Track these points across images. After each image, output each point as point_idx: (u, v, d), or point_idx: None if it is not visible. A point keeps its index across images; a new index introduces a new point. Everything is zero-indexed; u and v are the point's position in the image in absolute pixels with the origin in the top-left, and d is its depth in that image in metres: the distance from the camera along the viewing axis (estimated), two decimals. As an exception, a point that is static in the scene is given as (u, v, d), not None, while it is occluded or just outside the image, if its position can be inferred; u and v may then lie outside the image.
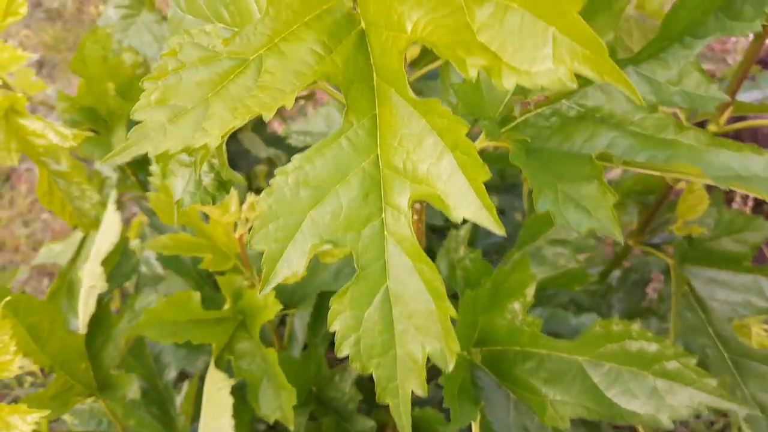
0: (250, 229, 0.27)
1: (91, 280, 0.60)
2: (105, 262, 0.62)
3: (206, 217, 0.60)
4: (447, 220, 0.41)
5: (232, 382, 0.55)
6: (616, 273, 0.93)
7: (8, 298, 0.50)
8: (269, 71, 0.25)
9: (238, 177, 0.36)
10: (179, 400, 0.78)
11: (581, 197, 0.32)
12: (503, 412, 0.45)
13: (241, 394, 0.63)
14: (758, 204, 1.36)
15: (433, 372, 0.28)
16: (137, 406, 0.73)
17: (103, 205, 0.69)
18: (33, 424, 0.48)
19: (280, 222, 0.25)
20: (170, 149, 0.24)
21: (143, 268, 0.85)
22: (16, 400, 1.21)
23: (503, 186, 1.01)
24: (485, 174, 0.23)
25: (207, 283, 0.71)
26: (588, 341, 0.43)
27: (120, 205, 0.71)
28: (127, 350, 0.65)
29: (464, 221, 0.24)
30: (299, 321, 0.76)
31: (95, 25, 0.94)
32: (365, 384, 0.70)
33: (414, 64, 0.68)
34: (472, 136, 0.40)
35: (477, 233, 0.89)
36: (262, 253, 0.25)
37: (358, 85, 0.26)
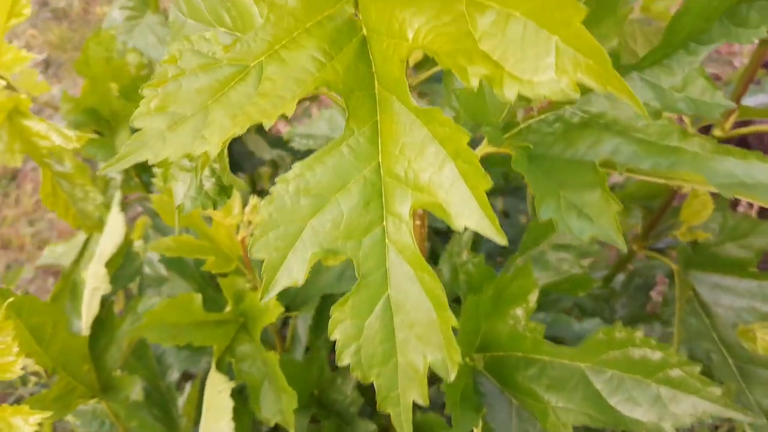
0: (252, 232, 0.27)
1: (94, 281, 0.60)
2: (108, 264, 0.62)
3: (209, 219, 0.60)
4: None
5: (232, 384, 0.55)
6: (620, 277, 0.93)
7: (11, 299, 0.50)
8: (270, 78, 0.25)
9: (240, 182, 0.36)
10: (181, 401, 0.78)
11: (584, 205, 0.32)
12: (505, 419, 0.45)
13: (242, 397, 0.63)
14: (764, 209, 1.35)
15: (435, 376, 0.28)
16: (140, 408, 0.73)
17: (106, 206, 0.69)
18: (35, 425, 0.48)
19: (280, 230, 0.25)
20: (169, 157, 0.24)
21: (147, 270, 0.85)
22: (19, 400, 1.22)
23: (507, 189, 1.01)
24: (487, 183, 0.22)
25: (209, 285, 0.71)
26: (590, 348, 0.43)
27: (124, 206, 0.71)
28: (130, 352, 0.65)
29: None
30: (302, 323, 0.76)
31: (101, 25, 0.94)
32: (367, 387, 0.70)
33: (418, 66, 0.68)
34: (475, 142, 0.40)
35: (481, 236, 0.89)
36: (263, 261, 0.25)
37: (359, 93, 0.26)
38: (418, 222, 0.41)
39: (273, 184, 0.26)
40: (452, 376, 0.24)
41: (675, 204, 0.77)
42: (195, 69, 0.24)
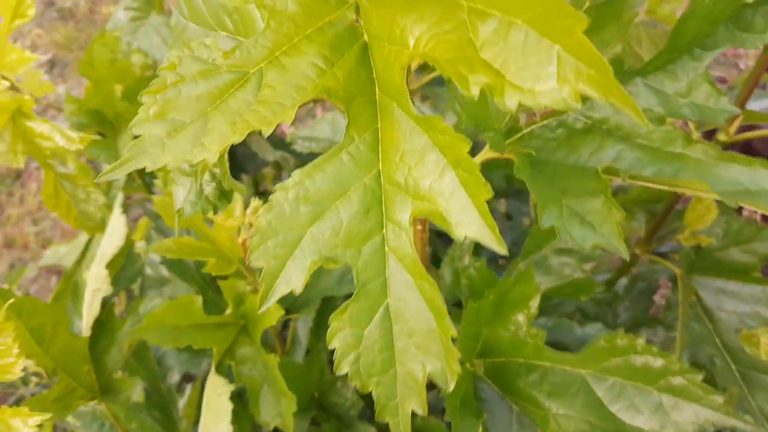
0: (253, 234, 0.27)
1: (95, 283, 0.60)
2: (110, 265, 0.62)
3: (210, 220, 0.59)
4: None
5: (232, 387, 0.55)
6: (623, 281, 0.92)
7: (12, 300, 0.50)
8: (270, 85, 0.25)
9: (241, 186, 0.36)
10: (182, 403, 0.78)
11: (586, 212, 0.32)
12: (506, 425, 0.45)
13: (242, 400, 0.63)
14: (768, 212, 1.34)
15: (435, 381, 0.28)
16: (140, 409, 0.73)
17: (109, 207, 0.69)
18: (34, 427, 0.48)
19: (279, 238, 0.25)
20: (168, 164, 0.24)
21: (148, 270, 0.85)
22: (20, 400, 1.22)
23: (510, 191, 1.00)
24: (487, 192, 0.22)
25: (210, 287, 0.71)
26: (592, 354, 0.42)
27: (126, 207, 0.71)
28: (131, 353, 0.65)
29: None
30: (302, 325, 0.76)
31: (106, 25, 0.95)
32: (368, 391, 0.69)
33: (421, 69, 0.68)
34: (478, 147, 0.40)
35: (482, 239, 0.88)
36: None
37: (360, 100, 0.26)
38: (419, 227, 0.41)
39: (276, 185, 0.26)
40: (451, 386, 0.24)
41: (679, 207, 0.77)
42: (195, 75, 0.24)
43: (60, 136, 0.66)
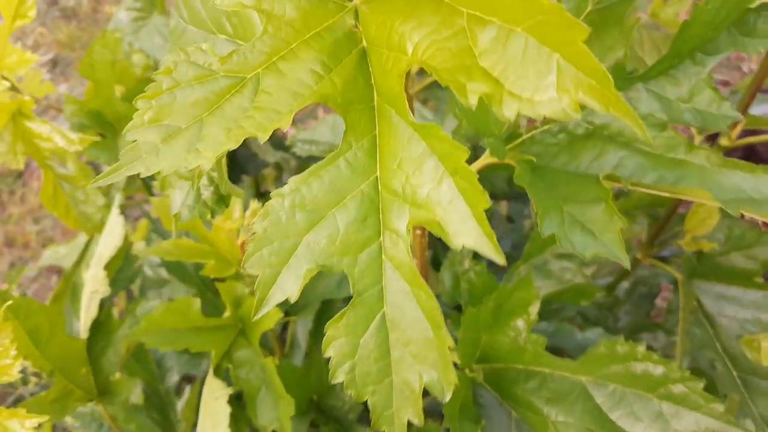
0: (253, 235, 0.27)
1: (93, 284, 0.60)
2: (108, 267, 0.62)
3: (209, 222, 0.59)
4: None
5: (230, 390, 0.54)
6: (624, 285, 0.92)
7: (9, 302, 0.50)
8: (266, 91, 0.24)
9: (239, 191, 0.35)
10: (180, 405, 0.78)
11: (587, 220, 0.31)
12: (504, 432, 0.45)
13: (240, 403, 0.63)
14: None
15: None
16: (138, 411, 0.73)
17: (108, 208, 0.69)
18: (32, 429, 0.48)
19: (274, 246, 0.24)
20: (162, 171, 0.23)
21: (148, 272, 0.85)
22: (20, 399, 1.22)
23: (512, 193, 1.00)
24: (486, 202, 0.22)
25: (209, 289, 0.71)
26: (592, 361, 0.42)
27: (127, 207, 0.71)
28: (129, 354, 0.65)
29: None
30: (302, 328, 0.76)
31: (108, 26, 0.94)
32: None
33: (422, 72, 0.68)
34: (480, 150, 0.40)
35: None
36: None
37: (358, 106, 0.25)
38: (418, 231, 0.41)
39: (277, 186, 0.25)
40: (448, 397, 0.24)
41: (681, 211, 0.76)
42: (190, 81, 0.24)
43: (60, 137, 0.66)
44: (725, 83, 1.78)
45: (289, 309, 0.70)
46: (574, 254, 0.63)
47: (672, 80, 0.40)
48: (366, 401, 0.24)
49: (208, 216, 0.35)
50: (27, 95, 0.66)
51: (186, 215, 0.35)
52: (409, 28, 0.23)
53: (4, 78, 0.64)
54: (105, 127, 0.76)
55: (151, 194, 0.84)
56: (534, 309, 0.43)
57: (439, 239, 0.75)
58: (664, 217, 0.75)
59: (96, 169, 0.85)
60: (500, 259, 0.21)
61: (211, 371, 0.56)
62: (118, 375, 0.62)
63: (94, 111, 0.74)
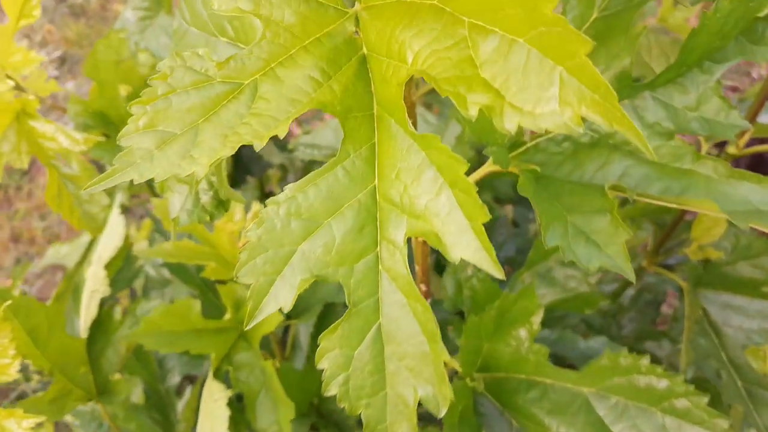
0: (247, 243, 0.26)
1: (93, 284, 0.60)
2: (108, 266, 0.62)
3: (211, 224, 0.59)
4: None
5: (229, 393, 0.54)
6: (629, 292, 0.91)
7: (9, 302, 0.50)
8: (263, 97, 0.24)
9: (238, 195, 0.35)
10: (181, 405, 0.78)
11: (592, 231, 0.31)
12: (504, 442, 0.44)
13: (240, 406, 0.62)
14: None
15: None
16: (139, 411, 0.72)
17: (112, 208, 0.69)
18: (29, 429, 0.48)
19: (269, 254, 0.24)
20: (156, 177, 0.23)
21: (151, 271, 0.85)
22: (22, 396, 1.22)
23: (517, 197, 0.99)
24: (485, 215, 0.21)
25: (211, 290, 0.70)
26: (594, 373, 0.41)
27: (132, 206, 0.71)
28: (130, 354, 0.64)
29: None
30: (303, 330, 0.76)
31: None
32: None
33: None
34: (484, 159, 0.39)
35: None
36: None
37: (357, 114, 0.25)
38: (421, 237, 0.40)
39: (282, 187, 0.25)
40: (443, 412, 0.23)
41: (688, 218, 0.76)
42: (186, 86, 0.24)
43: (64, 137, 0.66)
44: (734, 89, 1.76)
45: (290, 312, 0.69)
46: (579, 262, 0.63)
47: (679, 88, 0.40)
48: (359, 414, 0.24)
49: (207, 220, 0.35)
50: (32, 94, 0.66)
51: (185, 219, 0.35)
52: (409, 36, 0.22)
53: (9, 77, 0.64)
54: (109, 127, 0.76)
55: (155, 194, 0.84)
56: (537, 319, 0.43)
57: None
58: (670, 225, 0.74)
59: (100, 169, 0.85)
60: (498, 274, 0.21)
61: (210, 373, 0.56)
62: (117, 375, 0.62)
63: (99, 111, 0.74)
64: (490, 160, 0.39)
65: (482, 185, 0.78)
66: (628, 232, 0.31)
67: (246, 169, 1.06)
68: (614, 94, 0.17)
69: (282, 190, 0.25)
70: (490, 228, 0.87)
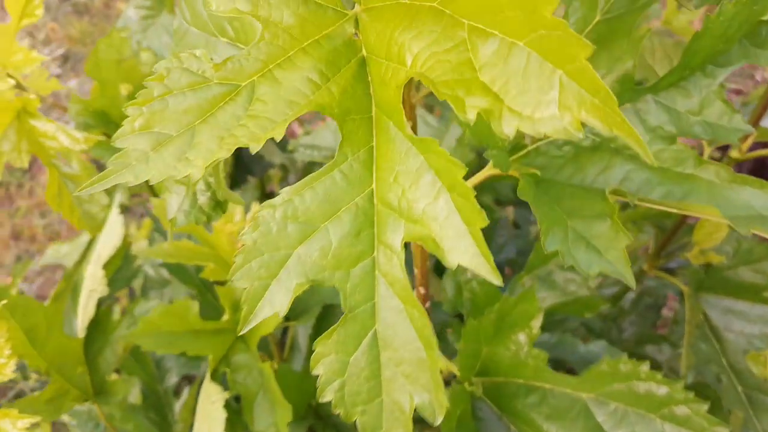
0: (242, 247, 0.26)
1: (91, 283, 0.60)
2: (106, 266, 0.61)
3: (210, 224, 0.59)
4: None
5: (226, 395, 0.54)
6: (630, 295, 0.91)
7: (5, 301, 0.50)
8: (261, 99, 0.24)
9: (236, 196, 0.35)
10: (178, 406, 0.77)
11: (592, 236, 0.31)
12: (502, 447, 0.44)
13: (237, 407, 0.62)
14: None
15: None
16: (136, 411, 0.72)
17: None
18: (24, 430, 0.48)
19: (264, 258, 0.24)
20: (151, 179, 0.23)
21: (150, 271, 0.84)
22: (20, 395, 1.22)
23: (518, 199, 0.99)
24: (483, 220, 0.21)
25: (209, 291, 0.70)
26: (594, 378, 0.41)
27: (133, 205, 0.71)
28: (128, 354, 0.64)
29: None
30: (302, 332, 0.75)
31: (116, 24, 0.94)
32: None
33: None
34: (485, 162, 0.39)
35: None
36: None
37: (356, 116, 0.25)
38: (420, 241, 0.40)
39: (283, 187, 0.25)
40: (439, 420, 0.23)
41: (690, 222, 0.75)
42: (183, 88, 0.23)
43: (65, 136, 0.66)
44: (738, 92, 1.76)
45: (289, 314, 0.69)
46: (579, 266, 0.62)
47: (682, 92, 0.39)
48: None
49: (205, 221, 0.35)
50: (32, 93, 0.66)
51: (182, 220, 0.35)
52: (408, 38, 0.22)
53: (10, 76, 0.64)
54: (110, 126, 0.76)
55: (155, 194, 0.84)
56: (536, 323, 0.42)
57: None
58: (671, 229, 0.74)
59: (100, 168, 0.85)
60: (496, 280, 0.21)
61: (208, 375, 0.56)
62: (114, 375, 0.62)
63: (100, 110, 0.74)
64: (488, 165, 0.39)
65: (483, 187, 0.77)
66: (628, 237, 0.31)
67: (247, 169, 1.06)
68: (614, 98, 0.17)
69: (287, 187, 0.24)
70: (491, 230, 0.87)
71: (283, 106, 0.24)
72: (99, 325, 0.59)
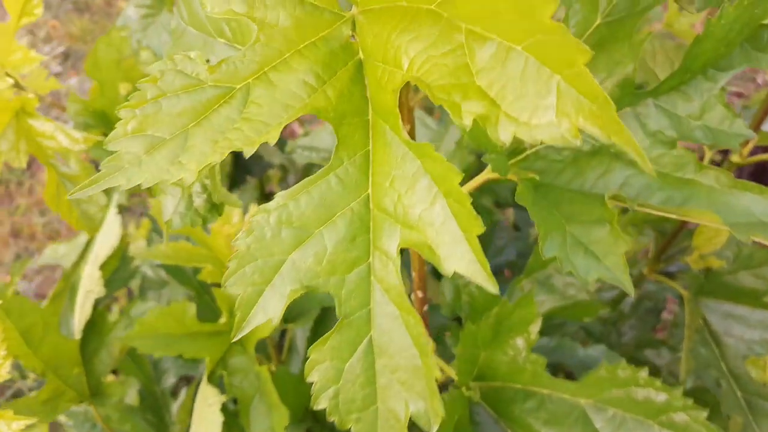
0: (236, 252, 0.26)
1: (88, 284, 0.59)
2: (103, 267, 0.61)
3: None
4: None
5: (223, 398, 0.54)
6: (629, 298, 0.91)
7: (0, 302, 0.50)
8: (256, 102, 0.24)
9: (233, 198, 0.35)
10: (176, 407, 0.77)
11: (591, 242, 0.30)
12: (499, 453, 0.43)
13: (234, 410, 0.62)
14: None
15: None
16: (133, 412, 0.72)
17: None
18: (19, 431, 0.47)
19: (258, 264, 0.23)
20: (143, 183, 0.23)
21: (149, 272, 0.84)
22: (18, 394, 1.22)
23: (517, 202, 0.98)
24: (479, 227, 0.21)
25: (207, 292, 0.70)
26: (592, 384, 0.41)
27: (124, 207, 0.70)
28: (124, 355, 0.64)
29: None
30: (301, 334, 0.75)
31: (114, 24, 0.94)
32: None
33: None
34: (484, 165, 0.38)
35: (487, 250, 0.87)
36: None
37: (352, 120, 0.24)
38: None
39: (282, 187, 0.24)
40: (434, 429, 0.23)
41: (690, 226, 0.75)
42: (177, 90, 0.23)
43: (63, 136, 0.65)
44: (739, 95, 1.75)
45: (286, 316, 0.69)
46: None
47: (683, 96, 0.39)
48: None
49: (201, 224, 0.35)
50: (31, 93, 0.66)
51: (177, 223, 0.35)
52: (405, 41, 0.22)
53: (8, 75, 0.63)
54: (109, 126, 0.75)
55: (153, 194, 0.84)
56: (535, 328, 0.42)
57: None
58: (671, 233, 0.74)
59: (99, 169, 0.85)
60: (493, 288, 0.20)
61: (205, 378, 0.55)
62: (111, 376, 0.62)
63: (99, 110, 0.73)
64: (487, 169, 0.38)
65: (483, 189, 0.77)
66: (627, 244, 0.31)
67: (246, 169, 1.05)
68: (612, 105, 0.17)
69: (282, 191, 0.24)
70: (491, 232, 0.87)
71: (278, 109, 0.24)
72: (95, 326, 0.59)
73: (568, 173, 0.35)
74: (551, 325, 0.67)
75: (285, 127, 0.24)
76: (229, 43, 0.33)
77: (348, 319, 0.24)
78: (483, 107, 0.19)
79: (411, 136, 0.31)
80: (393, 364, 0.23)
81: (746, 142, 0.60)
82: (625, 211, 0.75)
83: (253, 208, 0.57)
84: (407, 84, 0.26)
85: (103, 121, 0.75)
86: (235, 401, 0.64)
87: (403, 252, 0.24)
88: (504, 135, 0.19)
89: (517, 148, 0.37)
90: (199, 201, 0.34)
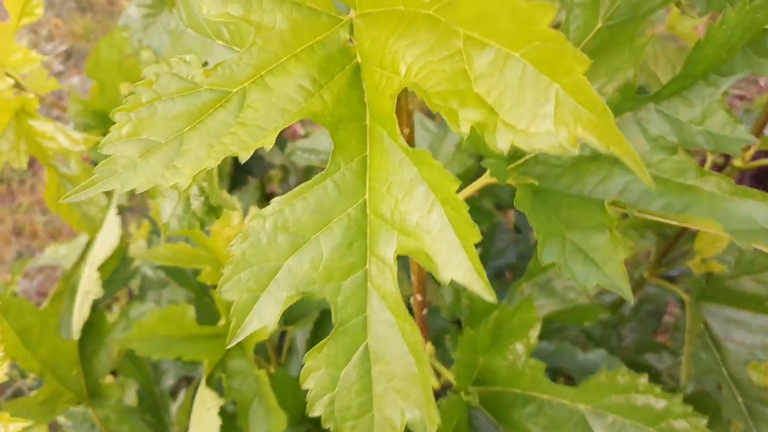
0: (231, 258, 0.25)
1: (87, 285, 0.59)
2: (102, 268, 0.61)
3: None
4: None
5: (221, 401, 0.53)
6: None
7: None
8: (252, 106, 0.23)
9: (231, 201, 0.34)
10: (175, 408, 0.77)
11: (590, 248, 0.30)
12: (498, 458, 0.43)
13: (233, 413, 0.62)
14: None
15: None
16: (132, 413, 0.72)
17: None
18: (16, 432, 0.47)
19: (253, 270, 0.23)
20: (138, 187, 0.22)
21: (149, 272, 0.84)
22: (17, 393, 1.22)
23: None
24: (476, 235, 0.21)
25: (207, 294, 0.70)
26: (591, 390, 0.40)
27: (123, 208, 0.70)
28: (123, 356, 0.64)
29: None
30: (300, 336, 0.75)
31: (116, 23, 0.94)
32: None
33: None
34: (481, 171, 0.38)
35: (487, 253, 0.87)
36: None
37: (349, 125, 0.24)
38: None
39: (283, 188, 0.24)
40: (431, 438, 0.22)
41: (691, 230, 0.75)
42: (172, 93, 0.23)
43: (63, 136, 0.65)
44: (741, 98, 1.75)
45: (286, 318, 0.69)
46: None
47: (684, 101, 0.39)
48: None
49: (198, 227, 0.34)
50: (31, 93, 0.66)
51: (175, 225, 0.35)
52: (403, 47, 0.22)
53: (9, 75, 0.63)
54: (110, 127, 0.75)
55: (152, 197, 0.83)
56: (534, 332, 0.42)
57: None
58: (673, 236, 0.74)
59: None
60: (490, 297, 0.20)
61: (203, 381, 0.55)
62: (109, 378, 0.62)
63: (100, 111, 0.73)
64: (486, 174, 0.38)
65: (484, 191, 0.77)
66: (627, 250, 0.30)
67: (247, 170, 1.05)
68: (611, 114, 0.16)
69: (283, 191, 0.24)
70: (491, 234, 0.87)
71: (274, 113, 0.23)
72: (93, 327, 0.59)
73: (568, 178, 0.35)
74: (551, 329, 0.66)
75: (286, 128, 0.24)
76: (228, 45, 0.33)
77: (344, 326, 0.23)
78: (480, 114, 0.19)
79: (410, 140, 0.30)
80: (389, 372, 0.23)
81: (748, 147, 0.60)
82: (625, 215, 0.75)
83: (254, 210, 0.57)
84: (404, 90, 0.26)
85: (103, 122, 0.75)
86: (233, 403, 0.64)
87: (402, 255, 0.24)
88: (501, 143, 0.19)
89: (516, 152, 0.37)
90: (196, 204, 0.34)
